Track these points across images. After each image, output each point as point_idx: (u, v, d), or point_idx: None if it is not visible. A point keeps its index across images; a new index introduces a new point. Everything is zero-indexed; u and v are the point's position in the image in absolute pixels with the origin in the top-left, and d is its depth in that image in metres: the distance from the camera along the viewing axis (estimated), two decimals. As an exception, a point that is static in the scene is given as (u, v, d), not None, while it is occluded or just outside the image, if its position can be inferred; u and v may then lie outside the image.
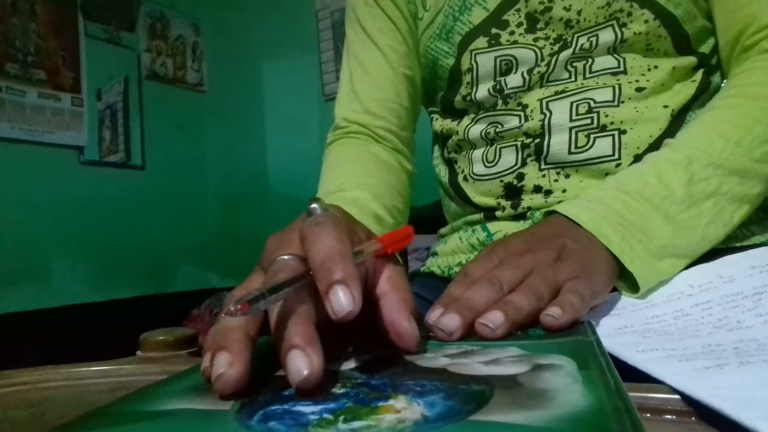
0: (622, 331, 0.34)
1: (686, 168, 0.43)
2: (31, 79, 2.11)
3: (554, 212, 0.43)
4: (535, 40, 0.55)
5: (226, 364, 0.24)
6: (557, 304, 0.33)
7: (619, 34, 0.52)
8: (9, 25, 2.06)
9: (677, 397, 0.24)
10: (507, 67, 0.56)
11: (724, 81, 0.56)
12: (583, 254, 0.37)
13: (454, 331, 0.32)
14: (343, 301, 0.25)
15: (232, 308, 0.24)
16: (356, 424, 0.20)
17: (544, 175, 0.54)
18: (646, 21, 0.51)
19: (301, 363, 0.24)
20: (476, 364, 0.27)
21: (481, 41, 0.57)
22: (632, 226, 0.40)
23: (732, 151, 0.44)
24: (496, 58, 0.57)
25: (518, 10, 0.55)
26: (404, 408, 0.21)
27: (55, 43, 2.21)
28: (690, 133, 0.48)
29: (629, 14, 0.52)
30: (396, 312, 0.29)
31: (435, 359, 0.28)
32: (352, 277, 0.26)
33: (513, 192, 0.56)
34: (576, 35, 0.54)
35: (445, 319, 0.32)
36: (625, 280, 0.40)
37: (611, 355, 0.28)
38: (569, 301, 0.33)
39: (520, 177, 0.55)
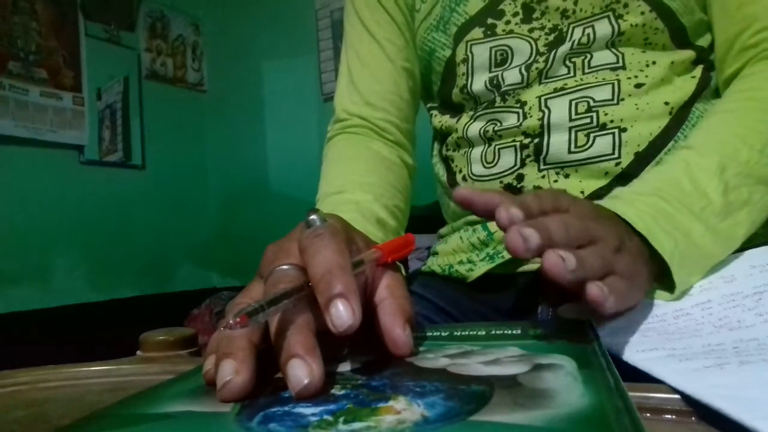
0: (622, 331, 0.34)
1: (720, 176, 0.42)
2: (32, 78, 2.12)
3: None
4: (531, 30, 0.55)
5: (232, 372, 0.25)
6: (607, 285, 0.31)
7: (615, 27, 0.52)
8: (10, 24, 2.06)
9: (677, 396, 0.24)
10: (502, 58, 0.57)
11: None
12: (634, 264, 0.36)
13: (532, 248, 0.30)
14: (343, 314, 0.25)
15: (231, 321, 0.24)
16: (356, 425, 0.20)
17: (543, 176, 0.54)
18: (642, 13, 0.51)
19: (301, 372, 0.24)
20: (476, 365, 0.27)
21: (477, 32, 0.57)
22: (679, 233, 0.39)
23: (757, 161, 0.44)
24: (491, 48, 0.57)
25: (514, 0, 0.56)
26: (404, 409, 0.21)
27: (55, 43, 2.21)
28: (711, 136, 0.47)
29: (625, 5, 0.52)
30: (391, 319, 0.30)
31: (435, 360, 0.28)
32: (352, 290, 0.26)
33: (513, 193, 0.55)
34: (572, 26, 0.54)
35: (527, 231, 0.30)
36: (660, 281, 0.39)
37: (611, 355, 0.28)
38: (619, 289, 0.32)
39: (520, 178, 0.55)
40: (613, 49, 0.53)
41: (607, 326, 0.34)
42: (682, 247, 0.39)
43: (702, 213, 0.41)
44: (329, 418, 0.21)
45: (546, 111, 0.53)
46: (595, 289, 0.31)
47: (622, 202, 0.40)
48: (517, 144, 0.55)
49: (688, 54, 0.53)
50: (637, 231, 0.38)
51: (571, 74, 0.54)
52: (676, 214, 0.40)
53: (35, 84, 2.12)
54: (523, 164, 0.55)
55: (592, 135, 0.52)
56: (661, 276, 0.39)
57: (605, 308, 0.31)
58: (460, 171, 0.61)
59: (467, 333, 0.34)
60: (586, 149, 0.52)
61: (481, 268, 0.56)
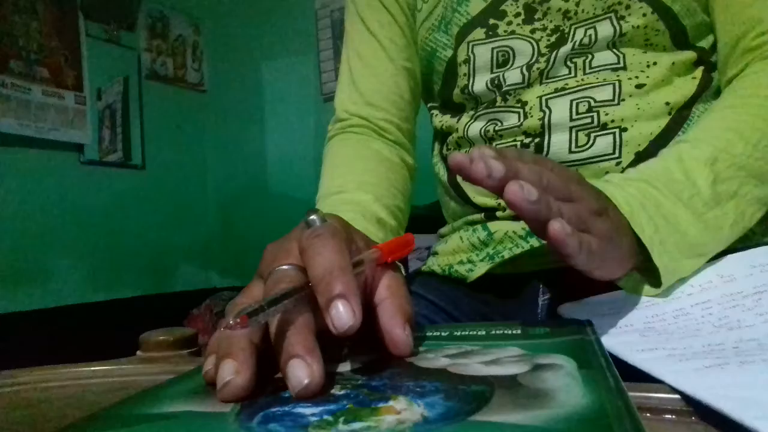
0: (622, 331, 0.34)
1: (711, 167, 0.42)
2: (34, 77, 2.12)
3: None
4: (533, 31, 0.55)
5: (233, 372, 0.25)
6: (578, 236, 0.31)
7: (617, 28, 0.52)
8: (12, 23, 2.06)
9: (677, 396, 0.24)
10: (504, 59, 0.57)
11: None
12: (615, 230, 0.36)
13: (494, 177, 0.30)
14: (343, 315, 0.25)
15: (231, 322, 0.24)
16: (356, 425, 0.20)
17: (544, 175, 0.54)
18: (644, 14, 0.52)
19: (302, 372, 0.24)
20: (476, 365, 0.27)
21: (479, 32, 0.57)
22: (663, 218, 0.40)
23: (750, 154, 0.44)
24: (492, 49, 0.57)
25: (516, 0, 0.56)
26: (404, 409, 0.21)
27: (56, 42, 2.21)
28: (708, 130, 0.47)
29: (627, 7, 0.52)
30: (391, 320, 0.30)
31: (435, 360, 0.28)
32: (352, 291, 0.26)
33: None
34: (574, 27, 0.54)
35: (493, 162, 0.30)
36: (647, 274, 0.39)
37: (611, 355, 0.28)
38: (588, 242, 0.32)
39: (521, 177, 0.55)
40: (614, 50, 0.53)
41: (607, 326, 0.34)
42: (664, 231, 0.39)
43: (690, 201, 0.41)
44: (329, 418, 0.21)
45: (547, 111, 0.53)
46: (556, 225, 0.30)
47: (612, 185, 0.41)
48: (518, 144, 0.55)
49: (689, 55, 0.53)
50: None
51: (572, 74, 0.54)
52: (663, 201, 0.40)
53: (37, 83, 2.12)
54: (523, 164, 0.55)
55: (592, 135, 0.52)
56: (649, 268, 0.39)
57: (567, 249, 0.30)
58: (461, 171, 0.61)
59: (467, 333, 0.34)
60: (587, 149, 0.52)
61: (481, 268, 0.56)
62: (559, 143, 0.53)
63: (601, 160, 0.52)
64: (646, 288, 0.40)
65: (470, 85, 0.59)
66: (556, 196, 0.33)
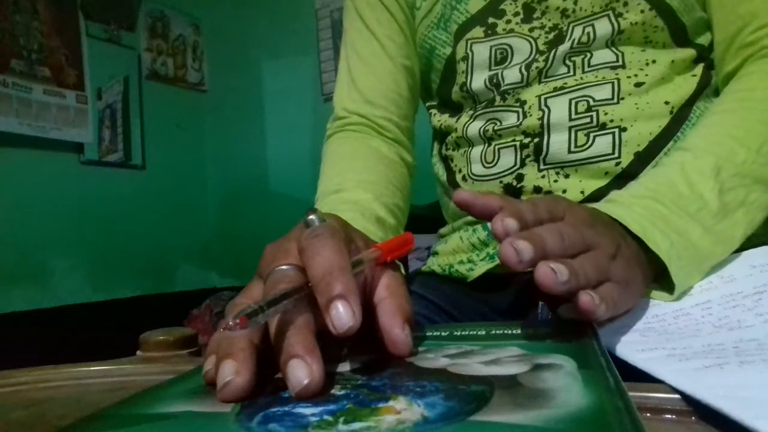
0: (622, 331, 0.34)
1: (716, 178, 0.42)
2: (36, 76, 2.12)
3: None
4: (531, 30, 0.56)
5: (233, 372, 0.25)
6: (600, 293, 0.32)
7: (615, 25, 0.52)
8: (13, 23, 2.06)
9: (677, 396, 0.24)
10: (502, 57, 0.57)
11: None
12: (630, 269, 0.36)
13: (525, 261, 0.30)
14: (343, 316, 0.25)
15: (230, 323, 0.24)
16: (356, 425, 0.20)
17: (543, 176, 0.54)
18: (642, 11, 0.52)
19: (301, 372, 0.24)
20: (476, 365, 0.27)
21: (478, 31, 0.58)
22: (675, 233, 0.40)
23: (753, 161, 0.44)
24: (491, 47, 0.57)
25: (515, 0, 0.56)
26: (404, 409, 0.21)
27: (57, 42, 2.21)
28: (708, 137, 0.46)
29: (625, 4, 0.52)
30: (391, 319, 0.30)
31: (435, 360, 0.28)
32: (352, 291, 0.26)
33: (512, 193, 0.55)
34: (572, 25, 0.54)
35: (521, 244, 0.30)
36: (660, 283, 0.39)
37: (611, 355, 0.28)
38: (611, 296, 0.32)
39: (520, 178, 0.55)
40: (613, 48, 0.53)
41: (607, 326, 0.34)
42: (679, 247, 0.39)
43: (698, 214, 0.41)
44: (329, 418, 0.21)
45: (546, 110, 0.53)
46: (586, 298, 0.31)
47: (618, 205, 0.40)
48: (517, 144, 0.55)
49: (689, 52, 0.53)
50: (633, 234, 0.38)
51: (571, 73, 0.54)
52: (671, 216, 0.40)
53: (38, 82, 2.12)
54: (522, 164, 0.55)
55: (591, 134, 0.52)
56: (660, 278, 0.39)
57: (596, 317, 0.31)
58: (460, 171, 0.61)
59: (467, 333, 0.34)
60: (586, 149, 0.52)
61: (482, 268, 0.56)
62: (558, 143, 0.53)
63: (601, 160, 0.52)
64: (654, 293, 0.39)
65: (468, 82, 0.59)
66: (575, 251, 0.33)
